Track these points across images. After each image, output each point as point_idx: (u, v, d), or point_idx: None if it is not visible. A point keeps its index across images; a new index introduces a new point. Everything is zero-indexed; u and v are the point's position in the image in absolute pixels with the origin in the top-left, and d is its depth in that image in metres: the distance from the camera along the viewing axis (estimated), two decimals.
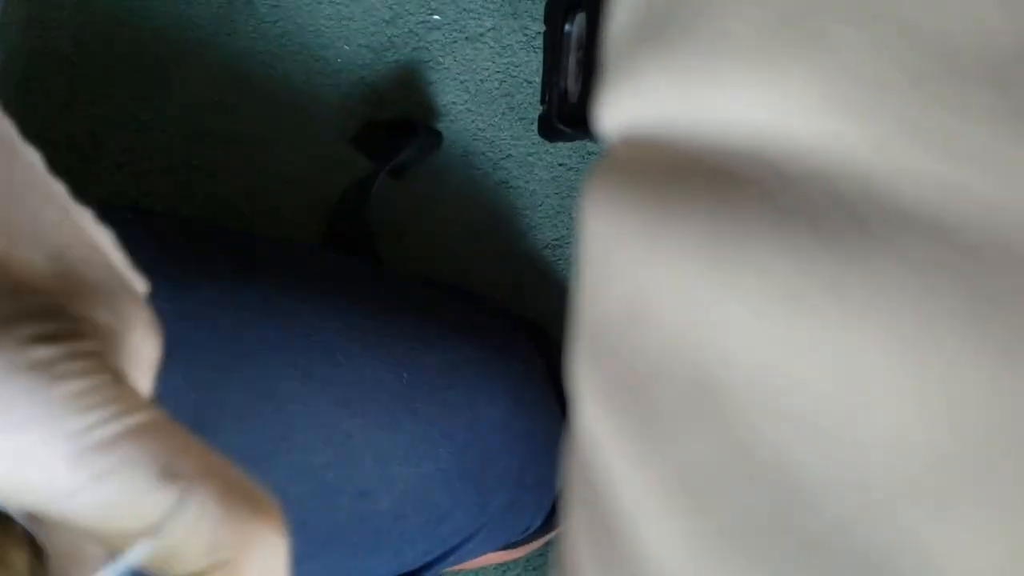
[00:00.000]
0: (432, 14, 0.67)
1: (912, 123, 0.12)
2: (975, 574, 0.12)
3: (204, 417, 0.40)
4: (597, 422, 0.18)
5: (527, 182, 0.67)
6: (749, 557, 0.14)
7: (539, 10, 0.66)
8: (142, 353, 0.19)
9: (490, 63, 0.67)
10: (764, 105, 0.14)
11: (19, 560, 0.17)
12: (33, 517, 0.17)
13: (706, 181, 0.15)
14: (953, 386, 0.11)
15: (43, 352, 0.16)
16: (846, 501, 0.12)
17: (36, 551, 0.17)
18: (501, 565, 0.66)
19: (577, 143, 0.66)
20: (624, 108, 0.18)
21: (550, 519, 0.56)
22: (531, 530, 0.56)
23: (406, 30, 0.67)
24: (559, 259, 0.67)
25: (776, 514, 0.13)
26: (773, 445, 0.13)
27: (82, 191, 0.19)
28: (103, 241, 0.19)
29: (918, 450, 0.12)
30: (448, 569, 0.53)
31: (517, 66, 0.67)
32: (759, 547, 0.14)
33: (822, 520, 0.13)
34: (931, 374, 0.12)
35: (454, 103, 0.67)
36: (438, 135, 0.66)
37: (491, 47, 0.67)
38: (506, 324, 0.57)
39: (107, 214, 0.20)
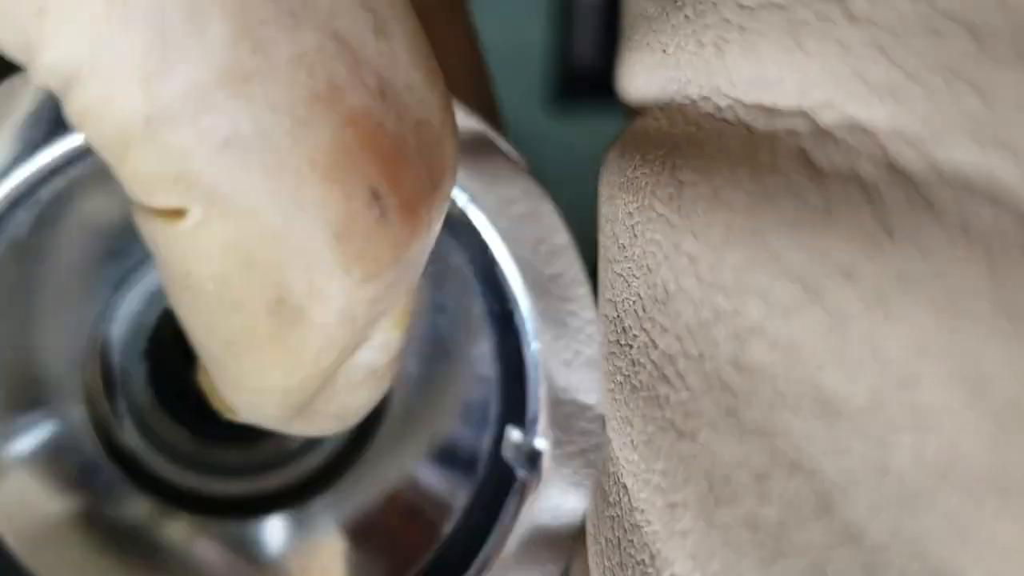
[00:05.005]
0: None
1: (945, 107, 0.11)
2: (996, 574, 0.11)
3: None
4: (614, 410, 0.17)
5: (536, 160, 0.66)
6: (764, 560, 0.13)
7: None
8: None
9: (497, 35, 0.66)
10: (800, 78, 0.13)
11: None
12: None
13: (737, 156, 0.14)
14: (984, 368, 0.11)
15: None
16: (864, 498, 0.12)
17: None
18: None
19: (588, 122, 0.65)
20: (653, 76, 0.17)
21: None
22: None
23: None
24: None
25: (791, 512, 0.13)
26: (792, 436, 0.13)
27: None
28: None
29: (948, 442, 0.11)
30: None
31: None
32: (775, 549, 0.13)
33: (839, 519, 0.12)
34: (960, 354, 0.11)
35: None
36: None
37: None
38: None
39: None
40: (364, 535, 0.21)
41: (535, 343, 0.20)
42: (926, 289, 0.11)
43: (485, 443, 0.21)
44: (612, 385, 0.17)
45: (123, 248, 0.20)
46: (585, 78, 0.56)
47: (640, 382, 0.16)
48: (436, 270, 0.20)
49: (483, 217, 0.20)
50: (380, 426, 0.22)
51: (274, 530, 0.21)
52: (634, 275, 0.16)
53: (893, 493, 0.12)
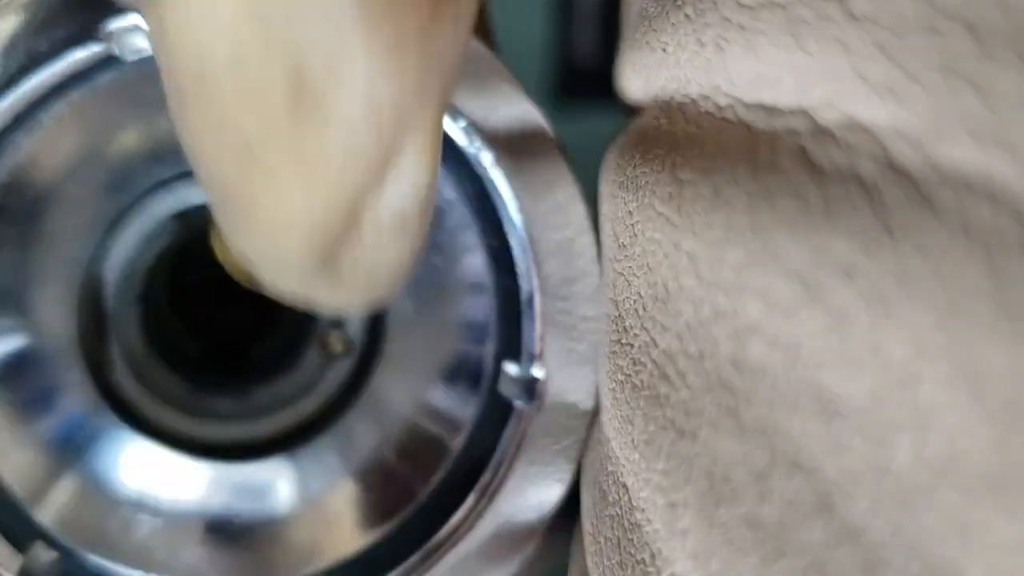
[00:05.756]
0: None
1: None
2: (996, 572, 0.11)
3: None
4: (614, 409, 0.17)
5: None
6: (764, 559, 0.13)
7: None
8: None
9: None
10: (800, 77, 0.13)
11: None
12: None
13: (737, 155, 0.14)
14: (984, 367, 0.11)
15: None
16: (864, 497, 0.12)
17: None
18: None
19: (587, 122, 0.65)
20: (653, 75, 0.17)
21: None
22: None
23: None
24: None
25: (791, 511, 0.13)
26: (791, 435, 0.13)
27: None
28: None
29: (947, 439, 0.11)
30: None
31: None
32: (775, 547, 0.13)
33: (839, 518, 0.12)
34: (960, 353, 0.11)
35: None
36: None
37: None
38: None
39: None
40: (366, 473, 0.21)
41: (532, 280, 0.20)
42: (926, 288, 0.11)
43: (484, 381, 0.21)
44: (613, 384, 0.17)
45: (119, 184, 0.20)
46: (585, 77, 0.56)
47: (641, 381, 0.16)
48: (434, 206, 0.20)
49: (488, 153, 0.19)
50: (375, 369, 0.21)
51: (277, 475, 0.21)
52: (634, 274, 0.16)
53: (893, 492, 0.12)
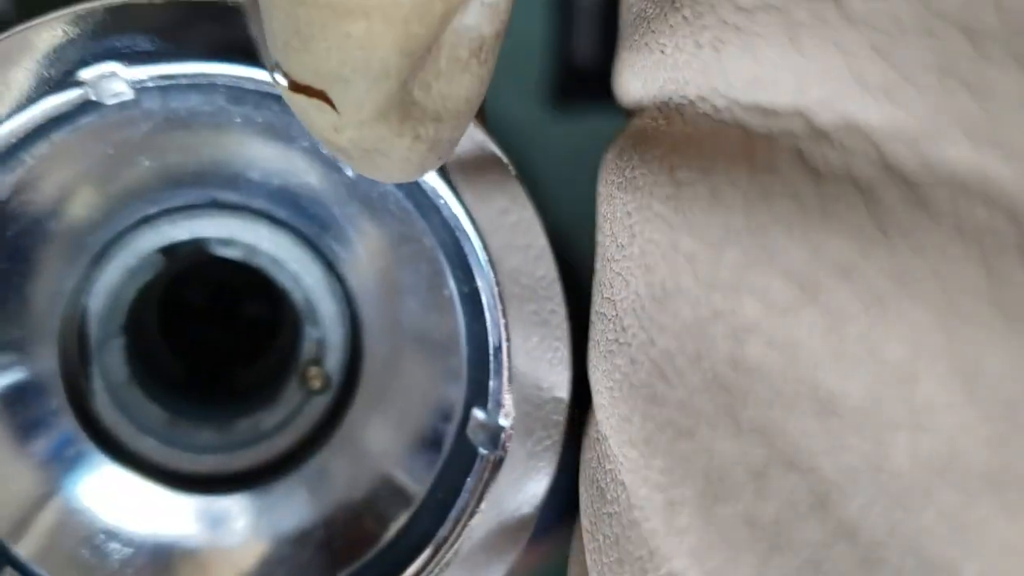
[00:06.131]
0: None
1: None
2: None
3: None
4: (612, 408, 0.17)
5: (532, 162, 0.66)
6: (761, 556, 0.13)
7: None
8: None
9: None
10: (797, 79, 0.13)
11: None
12: None
13: (734, 156, 0.14)
14: (981, 366, 0.11)
15: None
16: (861, 495, 0.12)
17: None
18: None
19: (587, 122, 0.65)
20: (652, 77, 0.17)
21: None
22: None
23: None
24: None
25: (788, 509, 0.13)
26: (788, 434, 0.13)
27: None
28: None
29: (946, 438, 0.11)
30: None
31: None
32: (772, 545, 0.13)
33: (836, 516, 0.12)
34: (958, 352, 0.11)
35: None
36: None
37: None
38: None
39: None
40: (333, 513, 0.21)
41: (500, 326, 0.20)
42: (923, 288, 0.11)
43: (452, 426, 0.21)
44: (610, 383, 0.17)
45: (103, 220, 0.20)
46: (585, 78, 0.56)
47: (639, 380, 0.16)
48: (411, 251, 0.21)
49: (460, 208, 0.20)
50: (349, 409, 0.22)
51: (239, 509, 0.22)
52: (633, 274, 0.16)
53: (890, 491, 0.12)
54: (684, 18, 0.15)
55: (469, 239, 0.20)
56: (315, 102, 0.14)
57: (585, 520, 0.19)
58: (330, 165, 0.20)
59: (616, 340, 0.17)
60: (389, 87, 0.14)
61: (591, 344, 0.19)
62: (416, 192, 0.20)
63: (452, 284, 0.21)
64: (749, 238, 0.14)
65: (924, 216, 0.12)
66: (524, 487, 0.20)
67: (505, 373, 0.20)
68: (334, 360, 0.22)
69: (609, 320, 0.18)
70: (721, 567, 0.14)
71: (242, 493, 0.22)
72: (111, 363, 0.22)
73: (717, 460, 0.14)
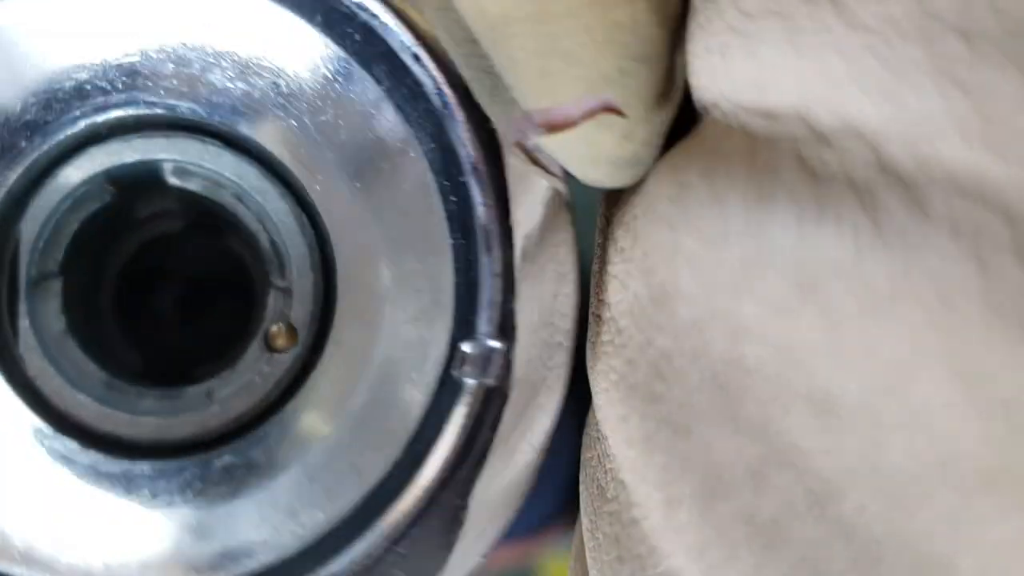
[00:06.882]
0: None
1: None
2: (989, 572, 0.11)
3: None
4: (610, 407, 0.17)
5: None
6: (758, 553, 0.13)
7: None
8: None
9: None
10: (798, 82, 0.13)
11: None
12: None
13: (736, 158, 0.14)
14: (977, 366, 0.11)
15: None
16: (858, 494, 0.12)
17: None
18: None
19: None
20: None
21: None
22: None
23: None
24: None
25: (785, 507, 0.13)
26: (785, 434, 0.13)
27: None
28: None
29: (943, 439, 0.11)
30: None
31: None
32: (768, 542, 0.13)
33: (832, 515, 0.13)
34: (954, 352, 0.11)
35: None
36: None
37: None
38: None
39: None
40: (309, 461, 0.19)
41: (490, 254, 0.18)
42: (919, 288, 0.12)
43: (432, 371, 0.19)
44: (607, 383, 0.17)
45: (39, 123, 0.18)
46: None
47: (637, 380, 0.16)
48: (391, 168, 0.18)
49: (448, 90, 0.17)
50: (316, 367, 0.19)
51: (179, 479, 0.19)
52: (632, 275, 0.16)
53: (886, 489, 0.12)
54: (699, 25, 0.15)
55: (462, 160, 0.18)
56: (593, 123, 0.14)
57: (585, 518, 0.19)
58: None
59: (611, 342, 0.17)
60: (663, 66, 0.14)
61: (588, 345, 0.19)
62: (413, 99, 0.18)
63: (439, 196, 0.18)
64: (748, 239, 0.14)
65: (920, 217, 0.12)
66: (532, 422, 0.19)
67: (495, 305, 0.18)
68: (302, 312, 0.19)
69: (606, 321, 0.18)
70: (719, 564, 0.14)
71: (179, 459, 0.19)
72: (44, 308, 0.19)
73: (715, 458, 0.14)
